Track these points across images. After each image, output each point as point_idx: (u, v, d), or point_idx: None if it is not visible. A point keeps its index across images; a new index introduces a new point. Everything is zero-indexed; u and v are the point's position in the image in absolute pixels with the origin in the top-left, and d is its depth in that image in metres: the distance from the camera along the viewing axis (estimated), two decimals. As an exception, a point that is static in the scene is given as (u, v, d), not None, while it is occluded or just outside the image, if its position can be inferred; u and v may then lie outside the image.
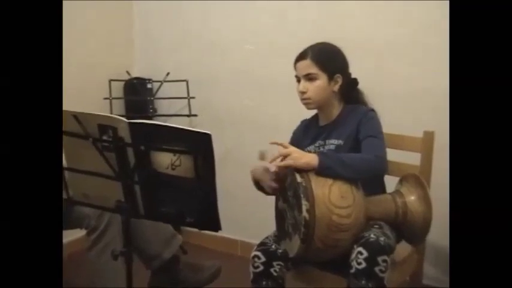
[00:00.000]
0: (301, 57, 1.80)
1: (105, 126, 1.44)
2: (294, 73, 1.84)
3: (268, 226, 1.84)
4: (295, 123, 1.99)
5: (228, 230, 1.52)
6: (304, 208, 1.52)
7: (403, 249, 1.82)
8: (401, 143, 1.93)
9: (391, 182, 1.83)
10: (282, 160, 1.63)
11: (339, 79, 1.81)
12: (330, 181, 1.58)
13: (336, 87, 1.81)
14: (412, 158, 1.91)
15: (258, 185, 1.79)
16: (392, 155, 1.83)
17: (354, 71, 1.87)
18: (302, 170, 1.59)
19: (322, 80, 1.78)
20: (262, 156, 1.77)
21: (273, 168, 1.69)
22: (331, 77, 1.79)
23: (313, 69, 1.77)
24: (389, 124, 1.83)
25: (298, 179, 1.57)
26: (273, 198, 1.81)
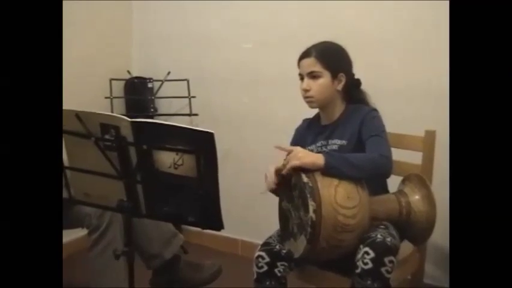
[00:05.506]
0: (305, 55, 1.79)
1: (107, 125, 1.43)
2: (294, 72, 1.83)
3: (269, 225, 1.84)
4: (296, 122, 1.98)
5: (229, 229, 1.52)
6: (311, 208, 1.51)
7: (405, 248, 1.81)
8: (402, 142, 1.93)
9: (392, 181, 1.83)
10: (286, 162, 1.62)
11: (343, 78, 1.80)
12: (336, 181, 1.57)
13: (340, 86, 1.80)
14: (413, 157, 1.90)
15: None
16: (394, 154, 1.82)
17: (354, 69, 1.86)
18: (308, 170, 1.58)
19: (325, 79, 1.77)
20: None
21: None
22: (334, 76, 1.78)
23: (317, 67, 1.76)
24: (390, 123, 1.82)
25: (305, 179, 1.56)
26: (273, 196, 1.79)
